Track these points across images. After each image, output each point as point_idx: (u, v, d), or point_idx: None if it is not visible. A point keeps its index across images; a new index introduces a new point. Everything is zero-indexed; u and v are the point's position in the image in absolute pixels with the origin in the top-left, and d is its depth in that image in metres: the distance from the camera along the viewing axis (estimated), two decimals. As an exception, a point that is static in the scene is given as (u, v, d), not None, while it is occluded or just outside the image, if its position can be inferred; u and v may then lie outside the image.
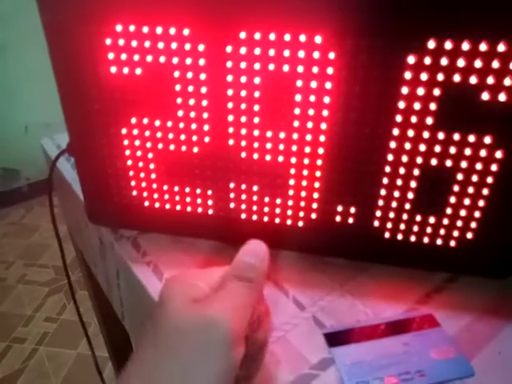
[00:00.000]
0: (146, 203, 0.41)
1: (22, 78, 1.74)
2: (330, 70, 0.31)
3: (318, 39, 0.30)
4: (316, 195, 0.37)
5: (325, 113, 0.33)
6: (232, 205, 0.39)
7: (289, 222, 0.39)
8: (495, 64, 0.29)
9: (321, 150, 0.35)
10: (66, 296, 1.51)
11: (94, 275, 0.64)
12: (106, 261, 0.50)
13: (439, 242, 0.36)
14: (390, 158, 0.34)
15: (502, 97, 0.29)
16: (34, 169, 1.81)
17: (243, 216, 0.40)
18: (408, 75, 0.30)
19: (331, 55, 0.31)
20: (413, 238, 0.37)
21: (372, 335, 0.32)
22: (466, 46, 0.29)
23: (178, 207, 0.41)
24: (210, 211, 0.40)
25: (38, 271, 1.61)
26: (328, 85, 0.32)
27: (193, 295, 0.25)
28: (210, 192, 0.39)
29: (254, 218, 0.40)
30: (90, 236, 0.53)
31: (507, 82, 0.29)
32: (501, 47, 0.28)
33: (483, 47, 0.28)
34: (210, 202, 0.40)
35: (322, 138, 0.34)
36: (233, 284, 0.26)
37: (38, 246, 1.72)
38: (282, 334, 0.33)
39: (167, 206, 0.41)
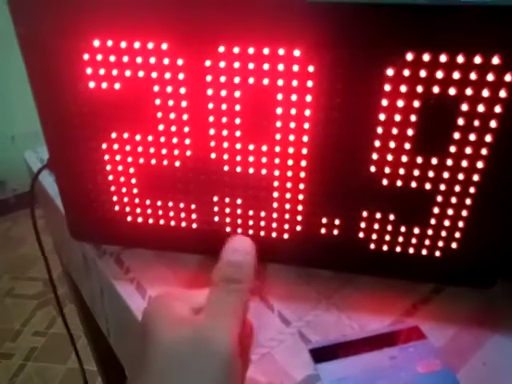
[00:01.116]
0: (129, 218, 0.40)
1: (7, 87, 1.73)
2: (309, 83, 0.31)
3: (296, 53, 0.30)
4: (300, 207, 0.37)
5: (306, 125, 0.33)
6: (216, 218, 0.39)
7: (274, 234, 0.39)
8: (473, 76, 0.29)
9: (303, 163, 0.35)
10: (55, 309, 1.49)
11: (80, 291, 0.63)
12: (90, 277, 0.49)
13: (424, 252, 0.36)
14: (373, 169, 0.34)
15: (481, 108, 0.30)
16: (20, 179, 1.78)
17: (228, 229, 0.39)
18: (387, 87, 0.30)
19: (310, 68, 0.30)
20: (398, 249, 0.36)
21: (358, 349, 0.32)
22: (443, 59, 0.29)
23: (162, 222, 0.40)
24: (194, 225, 0.40)
25: (27, 284, 1.59)
26: (308, 98, 0.32)
27: (178, 315, 0.24)
28: (193, 206, 0.39)
29: (239, 231, 0.39)
30: (73, 252, 0.52)
31: (485, 93, 0.29)
32: (477, 59, 0.28)
33: (460, 59, 0.28)
34: (193, 216, 0.39)
35: (305, 151, 0.34)
36: (221, 292, 0.25)
37: (25, 259, 1.69)
38: (267, 350, 0.33)
39: (150, 221, 0.40)
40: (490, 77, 0.28)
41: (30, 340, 1.40)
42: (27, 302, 1.53)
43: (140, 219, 0.40)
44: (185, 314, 0.24)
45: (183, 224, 0.40)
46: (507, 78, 0.28)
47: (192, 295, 0.26)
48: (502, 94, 0.29)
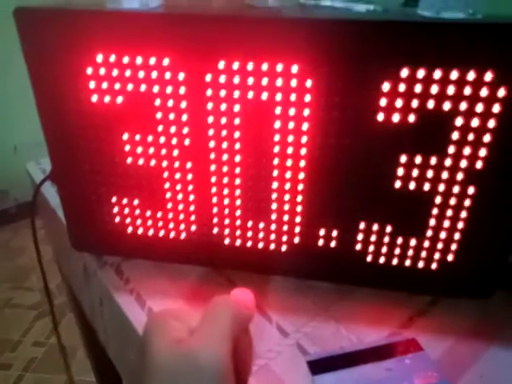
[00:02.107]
0: (129, 229, 0.41)
1: (10, 97, 1.74)
2: (307, 98, 0.32)
3: (294, 68, 0.31)
4: (298, 219, 0.37)
5: (304, 139, 0.33)
6: (215, 230, 0.39)
7: (272, 246, 0.39)
8: (467, 91, 0.29)
9: (301, 175, 0.35)
10: (52, 320, 1.48)
11: (79, 301, 0.63)
12: (89, 288, 0.49)
13: (421, 264, 0.36)
14: (370, 181, 0.34)
15: (475, 122, 0.30)
16: (22, 189, 1.79)
17: (227, 241, 0.40)
18: (383, 102, 0.31)
19: (308, 83, 0.31)
20: (395, 261, 0.37)
21: (356, 361, 0.32)
22: (438, 74, 0.29)
23: (161, 233, 0.40)
24: (194, 237, 0.40)
25: (26, 294, 1.58)
26: (306, 111, 0.32)
27: (175, 336, 0.25)
28: (193, 217, 0.39)
29: (238, 242, 0.39)
30: (74, 262, 0.52)
31: (479, 108, 0.30)
32: (471, 75, 0.29)
33: (454, 75, 0.29)
34: (193, 228, 0.40)
35: (303, 163, 0.35)
36: (211, 311, 0.26)
37: (24, 268, 1.69)
38: (265, 362, 0.33)
39: (150, 233, 0.41)
40: (484, 92, 0.29)
41: (30, 350, 1.39)
42: (26, 312, 1.52)
43: (140, 230, 0.41)
44: (181, 335, 0.25)
45: (182, 236, 0.40)
46: (500, 93, 0.29)
47: (190, 315, 0.27)
48: (496, 108, 0.29)
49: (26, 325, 1.48)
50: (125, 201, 0.40)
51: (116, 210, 0.40)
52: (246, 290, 0.29)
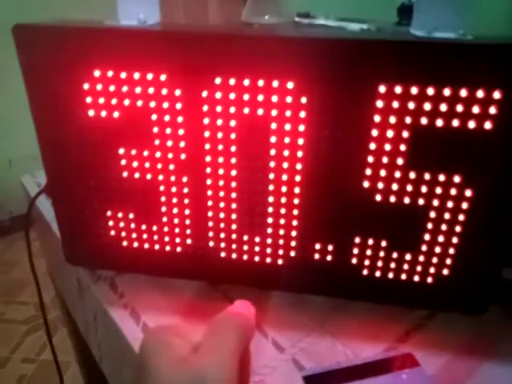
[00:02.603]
0: (124, 243, 0.41)
1: (6, 111, 1.74)
2: (302, 114, 0.32)
3: (290, 85, 0.31)
4: (294, 233, 0.37)
5: (299, 153, 0.34)
6: (211, 243, 0.39)
7: (268, 260, 0.39)
8: (459, 108, 0.30)
9: (297, 189, 0.35)
10: (46, 334, 1.45)
11: (73, 316, 0.63)
12: (83, 302, 0.48)
13: (416, 278, 0.36)
14: (365, 196, 0.34)
15: (468, 138, 0.31)
16: (17, 203, 1.78)
17: (222, 255, 0.40)
18: (377, 118, 0.31)
19: (303, 100, 0.32)
20: (390, 275, 0.37)
21: (352, 377, 0.32)
22: (431, 91, 0.30)
23: (157, 247, 0.40)
24: (189, 250, 0.40)
25: (18, 308, 1.56)
26: (301, 127, 0.33)
27: (177, 354, 0.23)
28: (188, 231, 0.39)
29: (234, 256, 0.39)
30: (67, 276, 0.52)
31: (471, 124, 0.30)
32: (463, 92, 0.29)
33: (447, 92, 0.30)
34: (188, 241, 0.40)
35: (298, 178, 0.35)
36: (217, 329, 0.25)
37: (18, 282, 1.66)
38: (261, 378, 0.33)
39: (146, 246, 0.40)
40: (476, 109, 0.30)
41: (19, 367, 1.36)
42: (17, 327, 1.49)
43: (135, 244, 0.41)
44: (183, 353, 0.24)
45: (178, 249, 0.40)
46: (492, 110, 0.30)
47: (190, 331, 0.26)
48: (488, 125, 0.30)
49: (17, 340, 1.45)
50: (120, 214, 0.40)
51: (111, 223, 0.40)
52: (247, 302, 0.28)
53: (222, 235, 0.39)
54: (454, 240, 0.34)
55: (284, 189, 0.35)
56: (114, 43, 0.33)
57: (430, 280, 0.36)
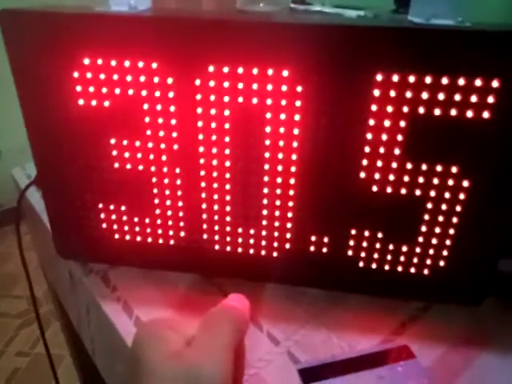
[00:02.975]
0: (117, 236, 0.40)
1: (-5, 103, 1.71)
2: (298, 103, 0.31)
3: (285, 73, 0.31)
4: (289, 225, 0.37)
5: (295, 144, 0.33)
6: (205, 236, 0.39)
7: (263, 252, 0.38)
8: (457, 97, 0.29)
9: (292, 180, 0.35)
10: (39, 328, 1.45)
11: (65, 309, 0.62)
12: (76, 296, 0.48)
13: (412, 270, 0.36)
14: (361, 187, 0.34)
15: (466, 128, 0.30)
16: (7, 195, 1.75)
17: (217, 247, 0.39)
18: (374, 107, 0.31)
19: (299, 88, 0.31)
20: (386, 267, 0.37)
21: (347, 369, 0.32)
22: (428, 80, 0.29)
23: (150, 239, 0.40)
24: (183, 243, 0.39)
25: (12, 302, 1.55)
26: (297, 117, 0.32)
27: (171, 348, 0.23)
28: (181, 223, 0.39)
29: (228, 249, 0.39)
30: (59, 269, 0.51)
31: (469, 114, 0.30)
32: (461, 81, 0.29)
33: (445, 81, 0.29)
34: (182, 234, 0.39)
35: (293, 169, 0.34)
36: (212, 323, 0.25)
37: (10, 276, 1.65)
38: (256, 371, 0.32)
39: (138, 239, 0.40)
40: (474, 98, 0.29)
41: (13, 360, 1.35)
42: (11, 320, 1.48)
43: (128, 237, 0.40)
44: (177, 347, 0.23)
45: (171, 242, 0.39)
46: (490, 99, 0.29)
47: (184, 325, 0.26)
48: (486, 115, 0.30)
49: (10, 333, 1.44)
50: (112, 206, 0.39)
51: (103, 215, 0.39)
52: (242, 296, 0.28)
53: (216, 227, 0.38)
54: (451, 231, 0.34)
55: (279, 180, 0.35)
56: (104, 30, 0.32)
57: (426, 272, 0.36)
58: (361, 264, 0.37)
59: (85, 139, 0.36)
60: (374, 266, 0.37)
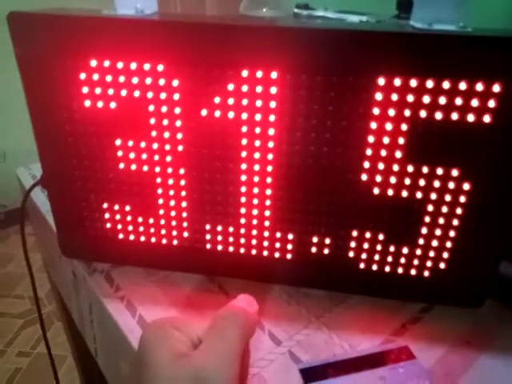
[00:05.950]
0: (121, 236, 0.40)
1: (0, 103, 1.73)
2: (301, 106, 0.32)
3: (288, 77, 0.31)
4: (291, 227, 0.37)
5: (296, 147, 0.34)
6: (208, 236, 0.39)
7: (265, 253, 0.39)
8: (458, 101, 0.30)
9: (294, 183, 0.35)
10: (41, 328, 1.45)
11: (68, 309, 0.62)
12: (79, 295, 0.48)
13: (413, 272, 0.36)
14: (362, 190, 0.34)
15: (467, 132, 0.31)
16: (11, 196, 1.76)
17: (220, 247, 0.39)
18: (376, 111, 0.31)
19: (302, 92, 0.31)
20: (387, 269, 0.37)
21: (348, 369, 0.32)
22: (429, 84, 0.30)
23: (153, 239, 0.40)
24: (186, 243, 0.40)
25: (14, 303, 1.55)
26: (299, 120, 0.32)
27: (177, 350, 0.23)
28: (185, 224, 0.39)
29: (231, 249, 0.39)
30: (63, 269, 0.52)
31: (470, 118, 0.30)
32: (462, 85, 0.29)
33: (446, 85, 0.29)
34: (185, 234, 0.39)
35: (295, 171, 0.35)
36: (220, 326, 0.25)
37: (13, 276, 1.66)
38: (258, 370, 0.33)
39: (142, 239, 0.40)
40: (475, 102, 0.30)
41: (14, 361, 1.36)
42: (13, 321, 1.49)
43: (132, 237, 0.40)
44: (184, 349, 0.23)
45: (175, 242, 0.40)
46: (491, 103, 0.29)
47: (190, 325, 0.26)
48: (487, 119, 0.30)
49: (12, 334, 1.44)
50: (116, 207, 0.39)
51: (107, 215, 0.40)
52: (251, 298, 0.28)
53: (219, 228, 0.38)
54: (452, 233, 0.34)
55: (281, 182, 0.35)
56: (111, 32, 0.33)
57: (426, 273, 0.36)
58: (362, 265, 0.37)
59: (91, 140, 0.36)
60: (374, 267, 0.37)
